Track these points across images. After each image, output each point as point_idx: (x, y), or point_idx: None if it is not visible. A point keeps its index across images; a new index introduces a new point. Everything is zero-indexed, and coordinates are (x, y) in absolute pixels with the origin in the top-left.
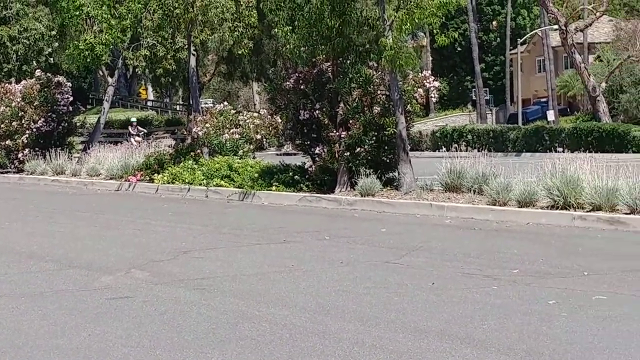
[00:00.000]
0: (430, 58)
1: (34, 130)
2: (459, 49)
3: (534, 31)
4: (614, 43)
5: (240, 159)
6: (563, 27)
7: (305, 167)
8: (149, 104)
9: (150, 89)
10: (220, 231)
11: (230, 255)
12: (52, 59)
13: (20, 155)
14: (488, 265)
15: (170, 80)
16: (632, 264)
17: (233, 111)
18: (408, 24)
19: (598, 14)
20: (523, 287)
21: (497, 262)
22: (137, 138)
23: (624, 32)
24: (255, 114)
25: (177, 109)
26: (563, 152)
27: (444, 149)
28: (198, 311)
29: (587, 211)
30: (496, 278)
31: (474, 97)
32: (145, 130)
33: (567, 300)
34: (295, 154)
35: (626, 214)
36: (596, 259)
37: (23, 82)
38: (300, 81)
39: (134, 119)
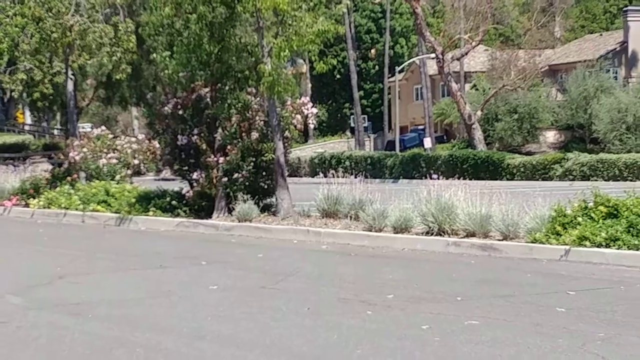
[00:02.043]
0: (310, 85)
1: None
2: (338, 76)
3: (412, 59)
4: (490, 72)
5: (117, 184)
6: (440, 56)
7: (183, 192)
8: (27, 127)
9: (27, 113)
10: (96, 256)
11: (106, 280)
12: None
13: None
14: (364, 291)
15: (47, 104)
16: (504, 289)
17: (111, 136)
18: (286, 51)
19: (474, 43)
20: (397, 312)
21: (372, 288)
22: None
23: (499, 62)
24: (133, 139)
25: (55, 133)
26: (438, 179)
27: (322, 175)
28: (72, 337)
29: (461, 237)
30: (371, 303)
31: (352, 124)
32: None
33: (440, 325)
34: (173, 180)
35: (499, 240)
36: (469, 285)
37: None
38: (179, 106)
39: None
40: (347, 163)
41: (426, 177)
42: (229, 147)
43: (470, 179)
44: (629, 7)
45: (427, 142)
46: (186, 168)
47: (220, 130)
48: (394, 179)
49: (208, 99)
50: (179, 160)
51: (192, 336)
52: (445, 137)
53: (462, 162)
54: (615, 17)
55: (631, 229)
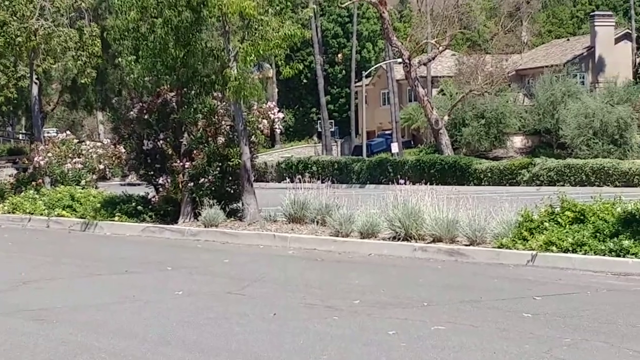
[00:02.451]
0: (277, 89)
1: None
2: (304, 80)
3: (379, 64)
4: (457, 77)
5: (82, 189)
6: (407, 61)
7: (149, 197)
8: None
9: None
10: (61, 261)
11: (70, 285)
12: None
13: None
14: (330, 296)
15: (12, 108)
16: (471, 295)
17: (76, 140)
18: (253, 55)
19: (441, 48)
20: (364, 317)
21: (338, 293)
22: None
23: (466, 66)
24: (99, 144)
25: (20, 138)
26: (405, 184)
27: (289, 180)
28: (36, 342)
29: (428, 242)
30: (338, 309)
31: (319, 129)
32: None
33: (406, 331)
34: (139, 185)
35: (466, 245)
36: (436, 290)
37: None
38: (145, 111)
39: None
40: (314, 168)
41: (393, 182)
42: (195, 151)
43: (438, 184)
44: (596, 12)
45: (395, 147)
46: (152, 173)
47: (186, 134)
48: (361, 184)
49: (174, 104)
50: (144, 165)
51: (158, 342)
52: (412, 142)
53: (429, 167)
54: (583, 22)
55: (598, 234)
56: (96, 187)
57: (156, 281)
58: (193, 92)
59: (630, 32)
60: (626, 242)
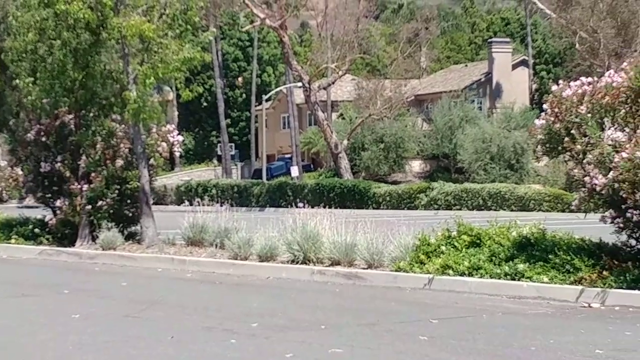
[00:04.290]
0: (177, 112)
1: None
2: (205, 104)
3: (279, 88)
4: (356, 101)
5: None
6: (307, 85)
7: (46, 220)
8: None
9: None
10: None
11: None
12: None
13: None
14: (228, 319)
15: None
16: (368, 318)
17: None
18: (152, 78)
19: (341, 72)
20: (262, 340)
21: (236, 316)
22: None
23: (366, 91)
24: None
25: None
26: (304, 207)
27: (188, 203)
28: None
29: (327, 266)
30: (235, 332)
31: (219, 152)
32: None
33: (303, 354)
34: (37, 207)
35: (364, 268)
36: (334, 313)
37: None
38: (42, 133)
39: None
40: (214, 191)
41: (293, 206)
42: (93, 174)
43: (337, 208)
44: (494, 39)
45: (294, 171)
46: (49, 195)
47: (84, 157)
48: (260, 207)
49: (72, 126)
50: (42, 188)
51: None
52: (312, 166)
53: (328, 190)
54: (481, 48)
55: (493, 257)
56: None
57: (53, 304)
58: (92, 114)
59: (527, 58)
60: (521, 266)
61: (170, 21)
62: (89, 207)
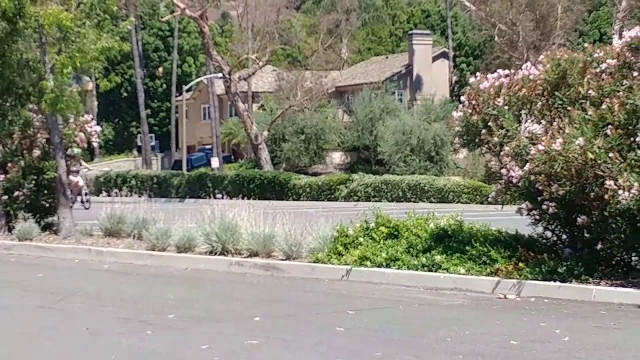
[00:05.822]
0: (96, 102)
1: None
2: (125, 94)
3: (199, 79)
4: (277, 92)
5: None
6: (227, 76)
7: None
8: None
9: None
10: None
11: None
12: None
13: None
14: (144, 310)
15: None
16: (286, 309)
17: None
18: (69, 68)
19: (261, 63)
20: (178, 332)
21: (153, 307)
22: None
23: (286, 82)
24: None
25: None
26: (223, 198)
27: (106, 194)
28: None
29: (245, 257)
30: (151, 323)
31: (139, 143)
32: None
33: (219, 345)
34: None
35: (282, 260)
36: (251, 304)
37: None
38: None
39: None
40: (133, 182)
41: (212, 197)
42: (9, 164)
43: (257, 199)
44: (414, 31)
45: (215, 162)
46: None
47: (0, 147)
48: (180, 198)
49: None
50: None
51: None
52: (233, 157)
53: (248, 182)
54: (401, 40)
55: (411, 249)
56: None
57: None
58: (8, 104)
59: (447, 51)
60: (438, 257)
61: (88, 10)
62: (5, 197)
